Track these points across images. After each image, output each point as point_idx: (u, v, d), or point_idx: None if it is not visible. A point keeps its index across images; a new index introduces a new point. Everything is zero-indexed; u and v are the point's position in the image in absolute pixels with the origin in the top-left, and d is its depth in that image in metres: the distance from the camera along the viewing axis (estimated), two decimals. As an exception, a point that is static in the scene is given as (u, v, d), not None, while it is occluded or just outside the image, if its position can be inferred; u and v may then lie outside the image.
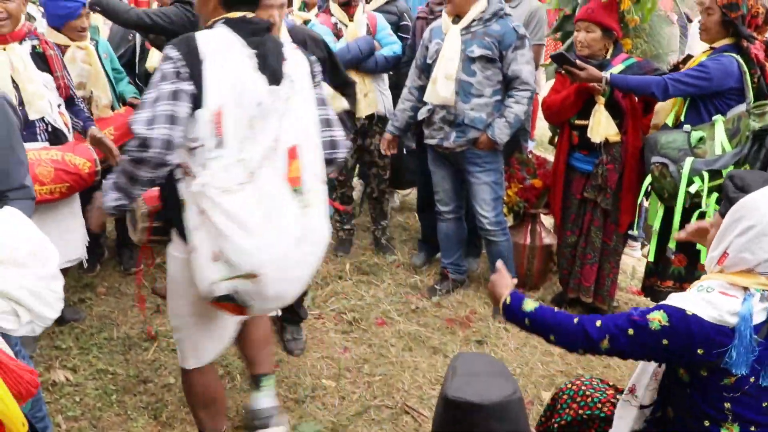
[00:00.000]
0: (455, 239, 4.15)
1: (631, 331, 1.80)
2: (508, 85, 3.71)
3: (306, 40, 3.31)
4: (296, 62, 2.27)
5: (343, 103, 3.77)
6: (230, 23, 2.18)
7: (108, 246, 4.42)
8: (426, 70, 3.86)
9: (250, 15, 2.23)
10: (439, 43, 3.72)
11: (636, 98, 3.53)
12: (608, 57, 3.56)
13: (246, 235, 2.02)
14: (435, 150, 3.92)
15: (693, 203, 3.23)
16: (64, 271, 3.55)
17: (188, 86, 2.04)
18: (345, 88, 3.73)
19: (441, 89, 3.66)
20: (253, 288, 2.07)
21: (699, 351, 1.73)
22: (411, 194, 5.60)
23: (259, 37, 2.20)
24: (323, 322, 3.78)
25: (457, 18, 3.70)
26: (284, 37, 3.12)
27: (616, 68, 3.51)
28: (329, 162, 2.37)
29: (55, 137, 3.16)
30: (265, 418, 2.63)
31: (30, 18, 4.44)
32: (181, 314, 2.38)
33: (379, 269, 4.42)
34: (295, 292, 2.28)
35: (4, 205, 1.94)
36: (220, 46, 2.11)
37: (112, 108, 3.89)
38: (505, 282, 2.13)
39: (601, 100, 3.51)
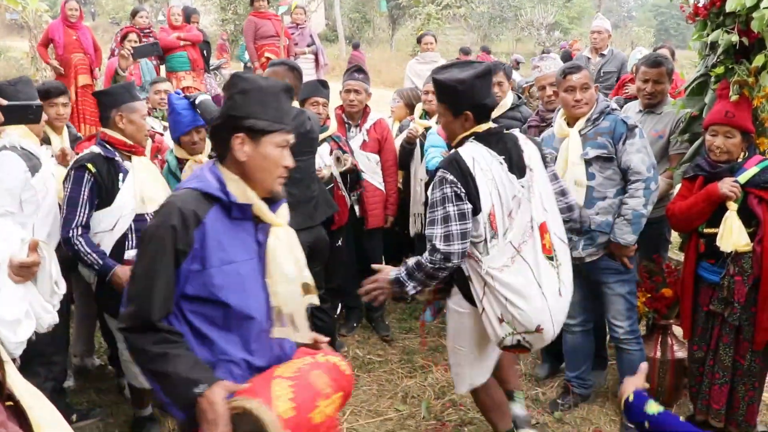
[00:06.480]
0: (582, 353, 3.92)
1: None
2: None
3: None
4: (531, 152, 2.89)
5: None
6: (479, 138, 2.81)
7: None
8: None
9: (490, 125, 2.86)
10: (552, 153, 3.61)
11: None
12: (740, 160, 3.35)
13: (525, 302, 2.71)
14: None
15: None
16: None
17: (468, 206, 2.70)
18: None
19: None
20: (537, 337, 2.78)
21: None
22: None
23: (503, 142, 2.83)
24: (439, 435, 3.67)
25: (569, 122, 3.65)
26: None
27: (750, 171, 3.28)
28: (566, 221, 3.04)
29: None
30: (522, 421, 3.36)
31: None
32: (463, 352, 3.08)
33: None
34: (558, 331, 2.86)
35: None
36: (481, 162, 2.73)
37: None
38: (636, 381, 2.06)
39: (733, 206, 3.28)
